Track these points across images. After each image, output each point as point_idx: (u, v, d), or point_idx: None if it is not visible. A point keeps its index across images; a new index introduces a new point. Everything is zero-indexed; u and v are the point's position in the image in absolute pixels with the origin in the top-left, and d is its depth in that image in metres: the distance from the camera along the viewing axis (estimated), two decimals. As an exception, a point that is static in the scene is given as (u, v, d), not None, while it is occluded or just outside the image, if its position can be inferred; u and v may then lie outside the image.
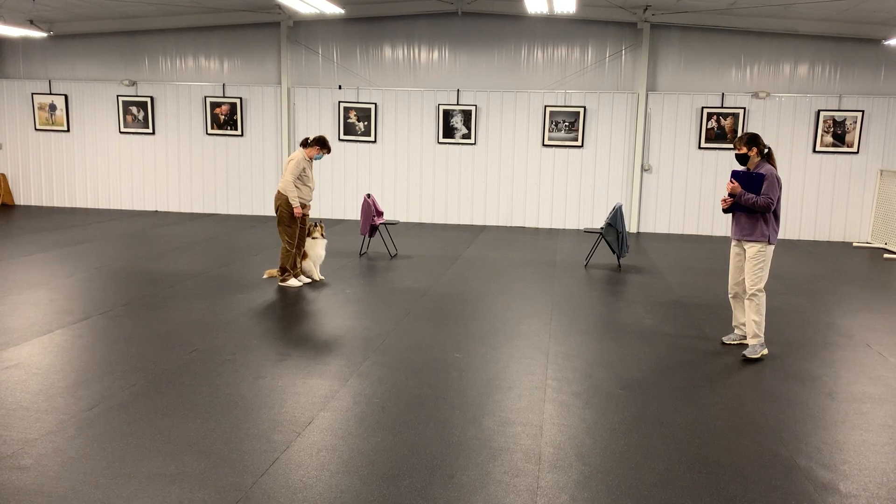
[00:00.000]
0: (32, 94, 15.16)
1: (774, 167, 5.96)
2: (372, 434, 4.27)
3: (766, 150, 6.00)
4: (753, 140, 5.96)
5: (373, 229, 10.30)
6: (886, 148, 13.00)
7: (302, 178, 8.15)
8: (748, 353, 5.97)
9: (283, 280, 8.31)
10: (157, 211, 15.12)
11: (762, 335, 6.00)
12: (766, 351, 6.02)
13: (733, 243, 6.18)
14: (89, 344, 5.91)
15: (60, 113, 15.14)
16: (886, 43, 12.11)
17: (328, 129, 14.36)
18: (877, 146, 13.02)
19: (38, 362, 5.42)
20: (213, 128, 14.73)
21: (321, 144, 8.23)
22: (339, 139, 14.38)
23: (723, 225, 13.59)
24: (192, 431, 4.24)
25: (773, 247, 5.96)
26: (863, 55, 12.93)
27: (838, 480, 3.85)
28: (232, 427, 4.32)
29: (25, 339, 6.01)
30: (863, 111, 12.90)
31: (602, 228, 9.97)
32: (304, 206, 8.33)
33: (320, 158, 8.33)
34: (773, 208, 5.85)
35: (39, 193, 15.58)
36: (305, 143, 8.23)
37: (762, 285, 5.97)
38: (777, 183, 5.85)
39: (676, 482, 3.78)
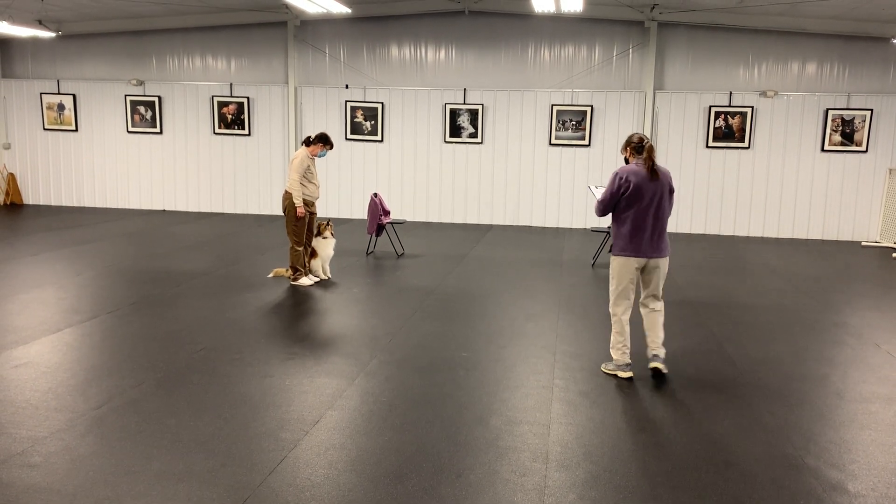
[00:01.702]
0: (41, 93, 15.23)
1: (644, 164, 5.17)
2: (379, 433, 4.28)
3: (640, 147, 5.21)
4: (626, 141, 5.33)
5: (380, 228, 10.31)
6: (895, 147, 12.93)
7: (307, 175, 8.18)
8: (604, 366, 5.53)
9: (295, 279, 8.33)
10: (164, 210, 15.17)
11: (615, 356, 5.37)
12: (620, 373, 5.32)
13: None
14: (98, 342, 5.93)
15: (69, 112, 15.20)
16: (895, 41, 12.04)
17: (335, 128, 14.37)
18: (886, 145, 12.96)
19: (47, 361, 5.45)
20: (220, 127, 14.77)
21: (324, 141, 8.26)
22: (346, 138, 14.40)
23: (731, 224, 13.55)
24: (200, 430, 4.25)
25: (619, 259, 5.28)
26: (871, 53, 12.87)
27: (847, 480, 3.83)
28: (240, 425, 4.33)
29: (34, 337, 6.04)
30: (871, 110, 12.84)
31: (609, 228, 9.95)
32: (311, 203, 8.36)
33: (324, 155, 8.38)
34: (601, 210, 5.31)
35: (48, 192, 15.64)
36: (308, 142, 8.26)
37: (610, 307, 5.41)
38: (615, 182, 5.19)
39: (684, 482, 3.77)
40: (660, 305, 5.46)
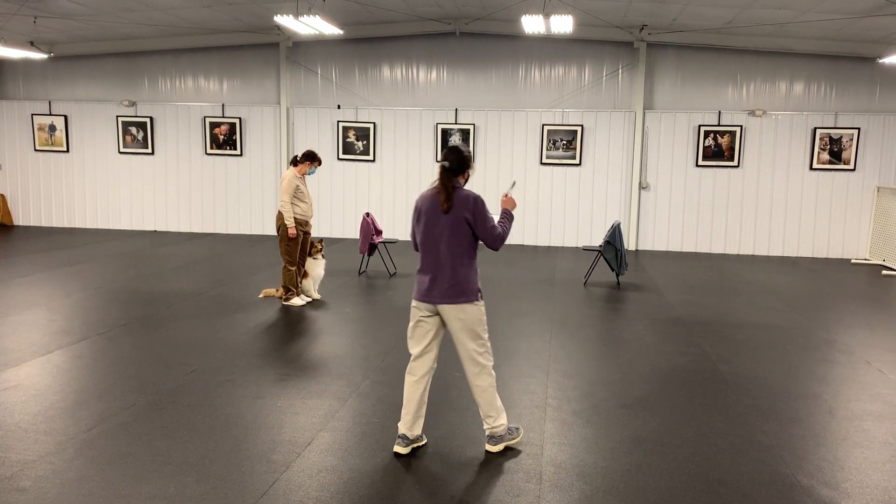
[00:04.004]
0: (32, 114, 15.22)
1: (439, 185, 4.27)
2: (372, 454, 4.25)
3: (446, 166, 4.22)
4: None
5: (372, 248, 10.31)
6: (883, 165, 13.06)
7: (297, 195, 8.19)
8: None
9: (287, 299, 8.31)
10: (156, 231, 15.13)
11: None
12: (396, 447, 4.29)
13: None
14: (88, 364, 5.90)
15: (60, 133, 15.19)
16: (881, 61, 12.20)
17: (327, 148, 14.41)
18: (873, 163, 13.08)
19: (37, 383, 5.41)
20: (212, 148, 14.78)
21: (311, 159, 8.28)
22: (338, 158, 14.43)
23: (721, 242, 13.61)
24: (191, 452, 4.22)
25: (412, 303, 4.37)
26: (858, 73, 13.02)
27: (840, 498, 3.83)
28: (231, 448, 4.30)
29: (24, 359, 6.00)
30: (859, 128, 12.97)
31: (601, 246, 9.98)
32: (305, 223, 8.37)
33: (313, 173, 8.39)
34: (413, 243, 4.44)
35: (38, 214, 15.59)
36: (295, 162, 8.29)
37: None
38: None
39: (678, 501, 3.76)
40: (481, 379, 4.25)
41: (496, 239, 4.23)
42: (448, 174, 4.19)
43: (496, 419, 4.31)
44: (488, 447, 4.34)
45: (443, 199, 4.15)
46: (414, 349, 4.34)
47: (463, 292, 4.16)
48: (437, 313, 4.25)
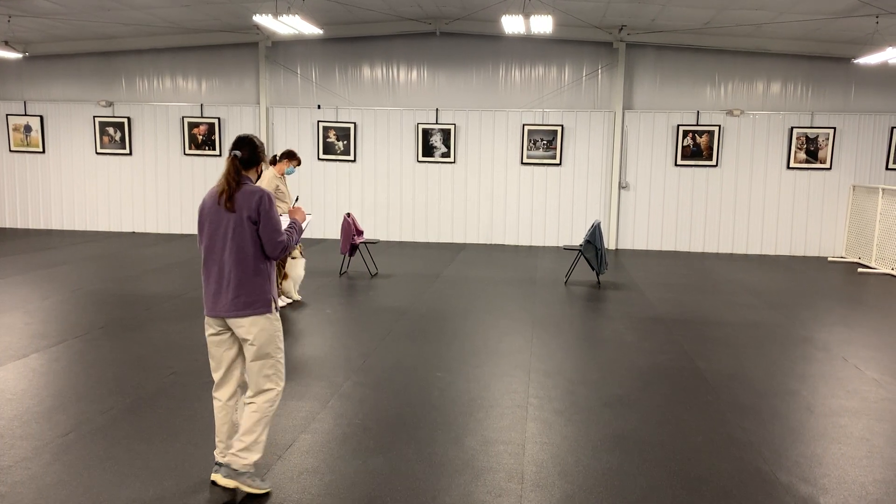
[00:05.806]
0: (7, 115, 15.01)
1: (224, 181, 3.83)
2: (354, 456, 4.24)
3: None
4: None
5: (353, 248, 10.27)
6: (858, 164, 13.23)
7: (278, 195, 8.14)
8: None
9: (264, 300, 8.25)
10: (134, 232, 14.98)
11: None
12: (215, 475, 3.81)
13: None
14: (65, 368, 5.82)
15: (36, 134, 14.99)
16: (856, 61, 12.36)
17: (307, 148, 14.34)
18: (849, 162, 13.25)
19: (13, 387, 5.33)
20: (190, 148, 14.66)
21: (289, 157, 8.25)
22: (319, 158, 14.37)
23: (700, 241, 13.72)
24: (171, 455, 4.19)
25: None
26: (834, 73, 13.18)
27: (818, 494, 3.88)
28: (211, 450, 4.26)
29: None
30: (834, 128, 13.13)
31: (581, 245, 10.03)
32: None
33: (293, 172, 8.35)
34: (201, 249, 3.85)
35: (14, 215, 15.38)
36: (274, 161, 8.24)
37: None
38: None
39: (659, 499, 3.79)
40: (260, 400, 3.76)
41: (277, 246, 3.71)
42: (239, 166, 3.76)
43: (246, 451, 3.72)
44: (214, 476, 3.78)
45: (225, 197, 3.68)
46: (216, 373, 3.83)
47: (252, 303, 3.67)
48: (229, 328, 3.76)
